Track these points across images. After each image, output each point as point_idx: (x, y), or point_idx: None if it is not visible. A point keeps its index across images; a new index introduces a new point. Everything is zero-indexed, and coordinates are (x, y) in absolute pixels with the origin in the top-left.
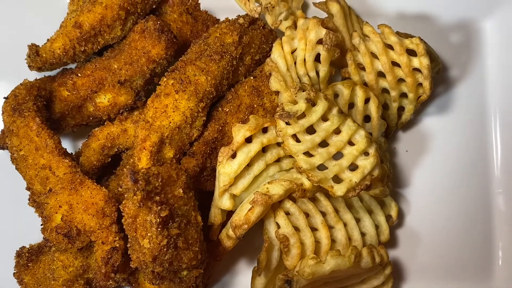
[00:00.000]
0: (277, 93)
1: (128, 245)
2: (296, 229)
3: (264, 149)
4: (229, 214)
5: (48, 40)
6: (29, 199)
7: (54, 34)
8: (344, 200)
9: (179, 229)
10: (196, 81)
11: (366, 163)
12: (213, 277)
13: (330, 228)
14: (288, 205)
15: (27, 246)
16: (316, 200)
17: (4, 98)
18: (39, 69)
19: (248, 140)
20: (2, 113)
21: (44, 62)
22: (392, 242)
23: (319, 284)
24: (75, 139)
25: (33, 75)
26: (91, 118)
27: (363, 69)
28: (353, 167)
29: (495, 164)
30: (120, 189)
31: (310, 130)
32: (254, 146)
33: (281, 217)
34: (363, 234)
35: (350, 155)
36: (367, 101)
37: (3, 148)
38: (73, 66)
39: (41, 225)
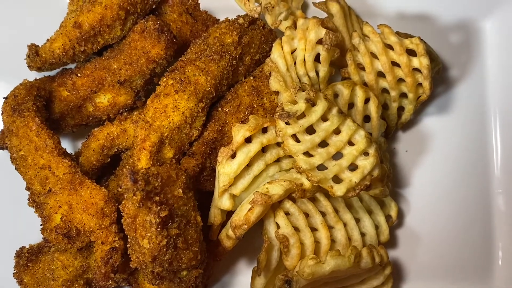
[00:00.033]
0: (276, 93)
1: (128, 245)
2: (296, 229)
3: (263, 149)
4: (229, 214)
5: (47, 40)
6: (28, 199)
7: (54, 34)
8: (344, 200)
9: (179, 229)
10: (196, 81)
11: (366, 163)
12: (213, 277)
13: (330, 228)
14: (288, 205)
15: (27, 246)
16: (316, 200)
17: (4, 98)
18: (39, 69)
19: (248, 140)
20: (2, 113)
21: (43, 62)
22: (392, 242)
23: (319, 284)
24: (75, 139)
25: (33, 75)
26: (90, 118)
27: (363, 69)
28: (353, 167)
29: (495, 164)
30: (119, 189)
31: (310, 130)
32: (254, 146)
33: (280, 217)
34: (363, 234)
35: (350, 155)
36: (367, 101)
37: (2, 148)
38: (72, 66)
39: (41, 225)
